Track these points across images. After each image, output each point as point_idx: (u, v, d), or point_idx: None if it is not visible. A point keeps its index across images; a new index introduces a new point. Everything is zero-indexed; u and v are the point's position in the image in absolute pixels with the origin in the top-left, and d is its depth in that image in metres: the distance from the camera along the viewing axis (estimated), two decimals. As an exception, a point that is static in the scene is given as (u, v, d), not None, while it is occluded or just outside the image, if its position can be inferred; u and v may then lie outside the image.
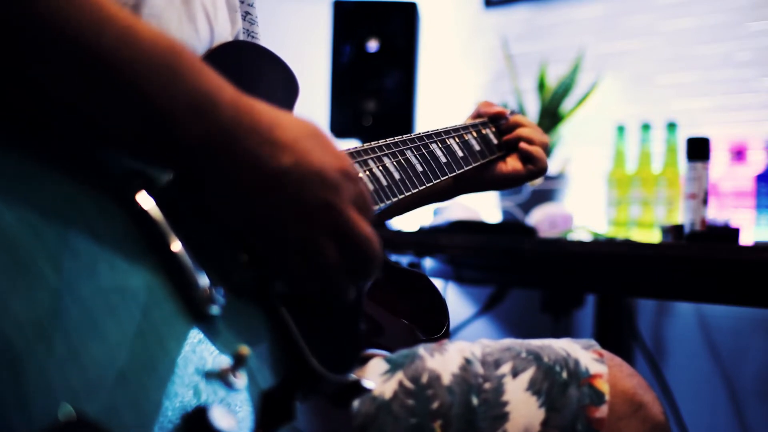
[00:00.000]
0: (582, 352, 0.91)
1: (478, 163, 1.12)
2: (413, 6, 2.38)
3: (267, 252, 0.64)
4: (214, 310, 0.60)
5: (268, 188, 0.61)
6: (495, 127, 1.20)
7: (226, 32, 0.82)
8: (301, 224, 0.62)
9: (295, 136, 0.62)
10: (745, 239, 1.61)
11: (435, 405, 0.85)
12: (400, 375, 0.86)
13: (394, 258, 2.04)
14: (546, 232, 1.97)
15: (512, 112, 1.25)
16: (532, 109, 2.33)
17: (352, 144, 0.97)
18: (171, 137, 0.57)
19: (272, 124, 0.62)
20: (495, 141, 1.18)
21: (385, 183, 0.89)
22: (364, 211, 0.66)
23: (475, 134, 1.14)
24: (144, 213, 0.59)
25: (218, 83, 0.60)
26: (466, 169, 1.08)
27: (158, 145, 0.58)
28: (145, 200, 0.59)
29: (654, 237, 1.91)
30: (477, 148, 1.13)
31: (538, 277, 1.93)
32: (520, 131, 1.17)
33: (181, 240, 0.60)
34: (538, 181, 2.13)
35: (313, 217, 0.62)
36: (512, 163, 1.17)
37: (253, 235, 0.63)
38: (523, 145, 1.16)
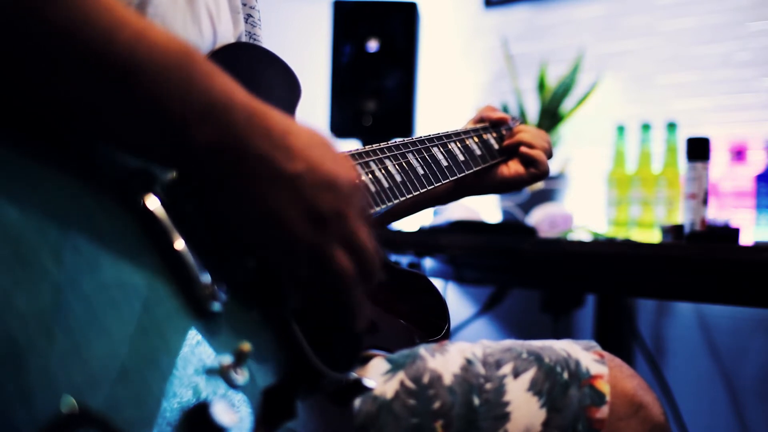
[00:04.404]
0: (583, 353, 0.91)
1: (479, 167, 1.13)
2: (413, 6, 2.38)
3: (278, 259, 0.63)
4: (216, 306, 0.60)
5: (282, 193, 0.60)
6: (496, 132, 1.21)
7: (228, 33, 0.82)
8: (313, 231, 0.62)
9: (306, 144, 0.62)
10: (745, 239, 1.62)
11: (436, 405, 0.85)
12: (401, 375, 0.86)
13: (394, 258, 2.04)
14: (546, 232, 1.97)
15: (514, 119, 1.26)
16: (532, 109, 2.33)
17: (352, 144, 0.97)
18: (184, 140, 0.57)
19: (285, 131, 0.61)
20: (496, 146, 1.19)
21: (386, 185, 0.89)
22: (367, 222, 0.67)
23: (476, 139, 1.15)
24: (147, 211, 0.59)
25: (231, 86, 0.60)
26: (467, 173, 1.09)
27: (171, 148, 0.58)
28: (148, 198, 0.59)
29: (654, 237, 1.91)
30: (478, 152, 1.14)
31: (538, 277, 1.94)
32: (520, 136, 1.19)
33: (183, 237, 0.60)
34: (540, 184, 2.13)
35: (325, 225, 0.62)
36: (514, 167, 1.18)
37: (264, 242, 0.63)
38: (524, 149, 1.17)
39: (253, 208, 0.61)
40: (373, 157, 0.90)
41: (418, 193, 0.95)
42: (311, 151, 0.62)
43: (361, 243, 0.64)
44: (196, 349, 0.58)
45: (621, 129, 2.08)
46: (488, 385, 0.87)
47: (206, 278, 0.60)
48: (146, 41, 0.55)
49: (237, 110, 0.59)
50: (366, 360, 0.89)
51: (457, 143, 1.10)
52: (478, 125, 1.20)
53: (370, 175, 0.88)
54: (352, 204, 0.64)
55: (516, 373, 0.88)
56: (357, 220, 0.64)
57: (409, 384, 0.86)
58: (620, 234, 1.98)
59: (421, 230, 1.94)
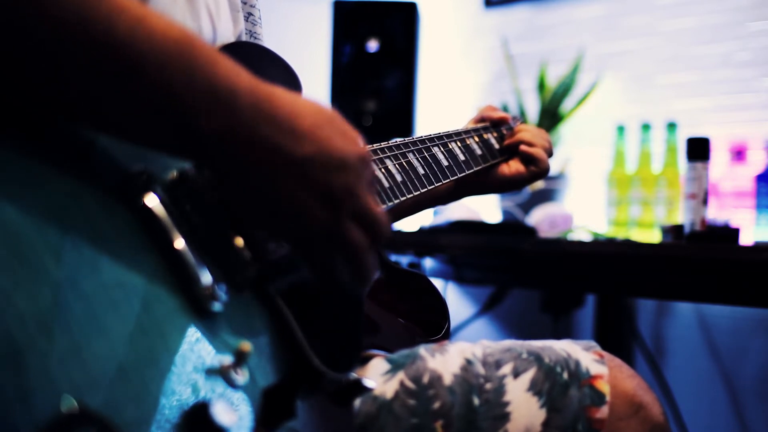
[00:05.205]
0: (582, 353, 0.91)
1: (480, 167, 1.13)
2: (413, 6, 2.38)
3: (294, 241, 0.64)
4: (216, 306, 0.60)
5: (293, 178, 0.60)
6: (497, 132, 1.21)
7: (228, 32, 0.82)
8: (327, 212, 0.62)
9: (314, 123, 0.62)
10: (745, 239, 1.61)
11: (436, 405, 0.85)
12: (401, 375, 0.86)
13: (394, 258, 2.04)
14: (546, 232, 1.97)
15: (515, 118, 1.26)
16: (532, 109, 2.33)
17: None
18: (190, 127, 0.56)
19: (291, 113, 0.61)
20: (497, 145, 1.19)
21: (387, 185, 0.89)
22: (373, 191, 0.67)
23: (477, 139, 1.15)
24: (148, 210, 0.59)
25: (235, 70, 0.59)
26: (467, 172, 1.09)
27: (178, 136, 0.57)
28: (149, 198, 0.59)
29: (654, 237, 1.91)
30: (479, 152, 1.14)
31: (538, 277, 1.94)
32: (520, 135, 1.19)
33: (184, 237, 0.60)
34: (540, 184, 2.13)
35: (338, 203, 0.62)
36: (515, 166, 1.19)
37: (279, 227, 0.63)
38: (523, 147, 1.18)
39: (265, 195, 0.61)
40: (374, 157, 0.90)
41: (418, 192, 0.95)
42: (319, 131, 0.62)
43: (371, 213, 0.65)
44: (196, 349, 0.58)
45: (621, 129, 2.08)
46: (488, 385, 0.87)
47: (206, 278, 0.60)
48: (145, 28, 0.55)
49: (242, 96, 0.58)
50: (366, 360, 0.89)
51: (458, 143, 1.10)
52: (479, 125, 1.20)
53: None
54: (361, 179, 0.64)
55: (516, 373, 0.88)
56: (366, 193, 0.65)
57: (409, 384, 0.85)
58: (620, 234, 1.98)
59: (421, 230, 1.94)
